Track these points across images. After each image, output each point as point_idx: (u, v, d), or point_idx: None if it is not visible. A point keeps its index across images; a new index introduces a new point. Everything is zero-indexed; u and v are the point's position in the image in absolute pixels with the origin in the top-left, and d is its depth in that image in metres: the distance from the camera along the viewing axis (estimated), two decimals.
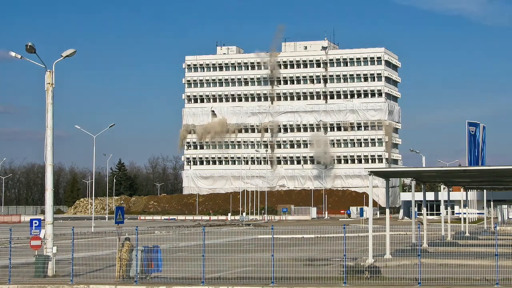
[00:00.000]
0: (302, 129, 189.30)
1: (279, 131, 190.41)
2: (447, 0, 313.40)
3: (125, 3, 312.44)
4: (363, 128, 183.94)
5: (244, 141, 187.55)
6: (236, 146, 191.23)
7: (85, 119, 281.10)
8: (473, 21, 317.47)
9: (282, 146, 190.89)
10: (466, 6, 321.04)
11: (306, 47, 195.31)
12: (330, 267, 31.06)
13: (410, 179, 43.74)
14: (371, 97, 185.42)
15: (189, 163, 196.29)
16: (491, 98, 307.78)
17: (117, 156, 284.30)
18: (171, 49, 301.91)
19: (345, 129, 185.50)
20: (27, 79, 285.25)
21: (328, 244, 41.34)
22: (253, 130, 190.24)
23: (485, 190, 69.04)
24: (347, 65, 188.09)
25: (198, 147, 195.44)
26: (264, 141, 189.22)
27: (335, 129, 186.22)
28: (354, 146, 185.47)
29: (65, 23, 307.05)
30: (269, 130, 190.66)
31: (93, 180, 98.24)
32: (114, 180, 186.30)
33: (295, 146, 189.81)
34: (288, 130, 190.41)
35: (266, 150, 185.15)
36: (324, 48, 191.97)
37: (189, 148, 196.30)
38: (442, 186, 55.59)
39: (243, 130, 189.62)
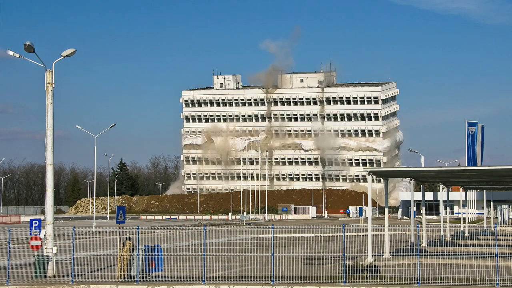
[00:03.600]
0: (300, 163, 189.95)
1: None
2: None
3: (124, 5, 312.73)
4: (361, 164, 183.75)
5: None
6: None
7: (87, 119, 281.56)
8: (473, 20, 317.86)
9: (281, 178, 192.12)
10: (466, 5, 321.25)
11: (302, 80, 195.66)
12: (330, 266, 31.19)
13: (409, 178, 43.85)
14: (369, 136, 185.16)
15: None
16: (491, 98, 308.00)
17: (119, 156, 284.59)
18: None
19: (343, 164, 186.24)
20: (27, 78, 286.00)
21: (328, 243, 41.51)
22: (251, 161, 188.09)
23: (484, 190, 69.10)
24: (343, 104, 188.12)
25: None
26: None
27: (333, 163, 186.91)
28: (353, 181, 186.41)
29: (65, 23, 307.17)
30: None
31: (94, 180, 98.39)
32: (116, 180, 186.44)
33: (294, 178, 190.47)
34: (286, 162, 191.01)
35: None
36: (320, 83, 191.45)
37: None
38: (441, 186, 55.70)
39: (241, 160, 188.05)
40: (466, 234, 55.24)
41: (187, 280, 27.61)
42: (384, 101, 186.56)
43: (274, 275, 27.04)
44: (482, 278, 26.70)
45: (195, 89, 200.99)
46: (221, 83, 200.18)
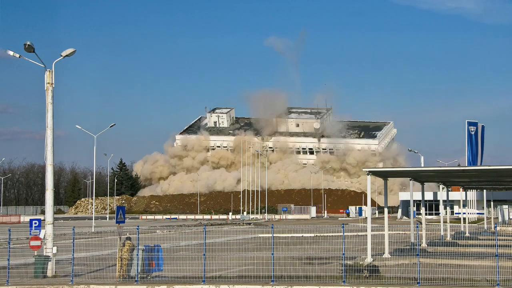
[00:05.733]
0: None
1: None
2: None
3: (124, 5, 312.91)
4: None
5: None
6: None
7: (87, 119, 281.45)
8: (473, 20, 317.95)
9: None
10: (466, 5, 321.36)
11: (298, 125, 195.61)
12: (329, 266, 31.16)
13: (409, 178, 43.85)
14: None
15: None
16: (491, 98, 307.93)
17: (119, 156, 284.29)
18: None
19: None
20: (27, 78, 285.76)
21: (327, 243, 41.42)
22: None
23: (484, 190, 69.06)
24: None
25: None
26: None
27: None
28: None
29: (65, 23, 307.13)
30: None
31: (94, 180, 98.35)
32: (115, 180, 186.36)
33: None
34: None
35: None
36: (316, 130, 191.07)
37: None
38: (441, 186, 55.69)
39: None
40: (466, 234, 55.20)
41: (187, 280, 27.59)
42: (381, 153, 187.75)
43: (274, 275, 27.02)
44: (482, 279, 26.66)
45: (188, 131, 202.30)
46: (215, 121, 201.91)
